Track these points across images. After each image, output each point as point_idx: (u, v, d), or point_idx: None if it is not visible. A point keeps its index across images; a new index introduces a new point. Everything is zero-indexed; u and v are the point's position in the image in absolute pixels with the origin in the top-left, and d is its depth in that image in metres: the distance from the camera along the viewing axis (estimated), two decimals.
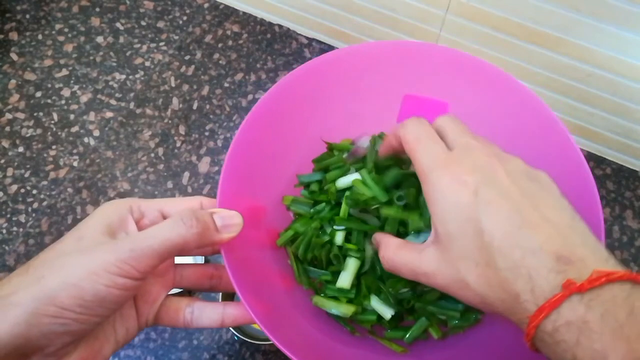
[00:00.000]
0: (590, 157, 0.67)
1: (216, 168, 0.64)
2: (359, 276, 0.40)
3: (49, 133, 0.66)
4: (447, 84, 0.43)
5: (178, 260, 0.36)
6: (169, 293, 0.36)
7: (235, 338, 0.55)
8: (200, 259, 0.56)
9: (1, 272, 0.57)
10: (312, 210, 0.41)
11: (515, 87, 0.41)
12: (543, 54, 0.59)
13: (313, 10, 0.71)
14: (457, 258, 0.27)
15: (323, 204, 0.41)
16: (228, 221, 0.32)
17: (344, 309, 0.38)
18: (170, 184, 0.63)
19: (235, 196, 0.36)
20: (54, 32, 0.74)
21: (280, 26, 0.75)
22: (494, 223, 0.26)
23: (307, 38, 0.76)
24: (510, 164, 0.29)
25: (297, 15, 0.73)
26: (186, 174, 0.64)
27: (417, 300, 0.38)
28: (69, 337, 0.27)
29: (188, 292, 0.53)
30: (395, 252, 0.32)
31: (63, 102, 0.69)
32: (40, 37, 0.74)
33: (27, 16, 0.76)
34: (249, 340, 0.52)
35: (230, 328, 0.51)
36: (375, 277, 0.39)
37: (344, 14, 0.69)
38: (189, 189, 0.63)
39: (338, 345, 0.39)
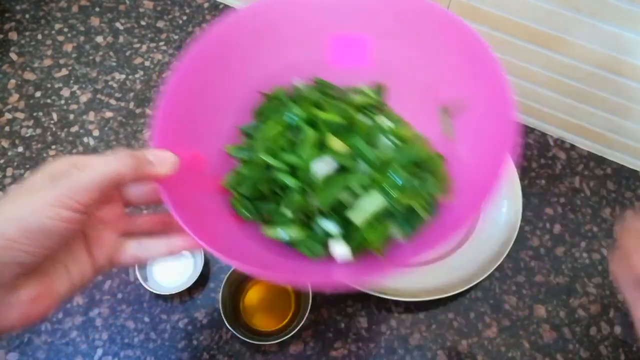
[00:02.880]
0: (591, 157, 0.67)
1: None
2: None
3: (49, 133, 0.66)
4: (370, 19, 0.44)
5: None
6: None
7: (236, 338, 0.55)
8: (200, 260, 0.56)
9: None
10: (252, 157, 0.42)
11: (438, 13, 0.42)
12: (543, 54, 0.59)
13: None
14: None
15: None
16: (162, 159, 0.34)
17: (295, 232, 0.39)
18: None
19: (171, 144, 0.37)
20: (53, 32, 0.74)
21: None
22: None
23: None
24: None
25: None
26: None
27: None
28: (18, 268, 0.29)
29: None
30: None
31: (63, 102, 0.68)
32: (39, 37, 0.74)
33: (27, 16, 0.75)
34: (249, 341, 0.52)
35: (230, 328, 0.51)
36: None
37: None
38: None
39: (294, 263, 0.40)
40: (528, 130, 0.69)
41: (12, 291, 0.30)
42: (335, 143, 0.39)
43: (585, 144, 0.67)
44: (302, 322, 0.52)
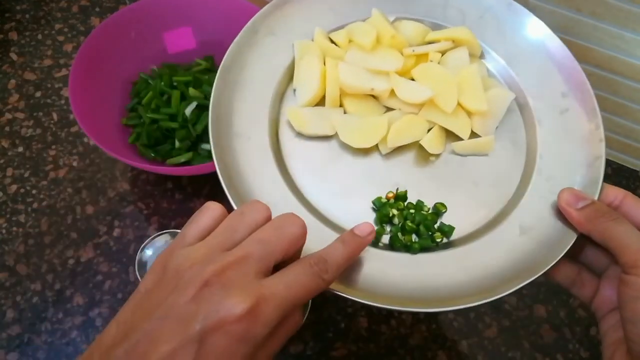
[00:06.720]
0: None
1: None
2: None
3: (49, 133, 0.66)
4: (190, 15, 0.66)
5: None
6: None
7: None
8: None
9: (1, 272, 0.57)
10: (142, 120, 0.62)
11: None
12: None
13: None
14: None
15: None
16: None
17: (186, 157, 0.60)
18: (170, 184, 0.63)
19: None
20: (53, 31, 0.74)
21: None
22: None
23: None
24: None
25: None
26: None
27: None
28: None
29: None
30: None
31: (63, 102, 0.69)
32: (39, 37, 0.74)
33: (27, 16, 0.75)
34: None
35: None
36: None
37: None
38: (189, 189, 0.63)
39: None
40: None
41: None
42: (193, 92, 0.60)
43: None
44: (302, 322, 0.52)
